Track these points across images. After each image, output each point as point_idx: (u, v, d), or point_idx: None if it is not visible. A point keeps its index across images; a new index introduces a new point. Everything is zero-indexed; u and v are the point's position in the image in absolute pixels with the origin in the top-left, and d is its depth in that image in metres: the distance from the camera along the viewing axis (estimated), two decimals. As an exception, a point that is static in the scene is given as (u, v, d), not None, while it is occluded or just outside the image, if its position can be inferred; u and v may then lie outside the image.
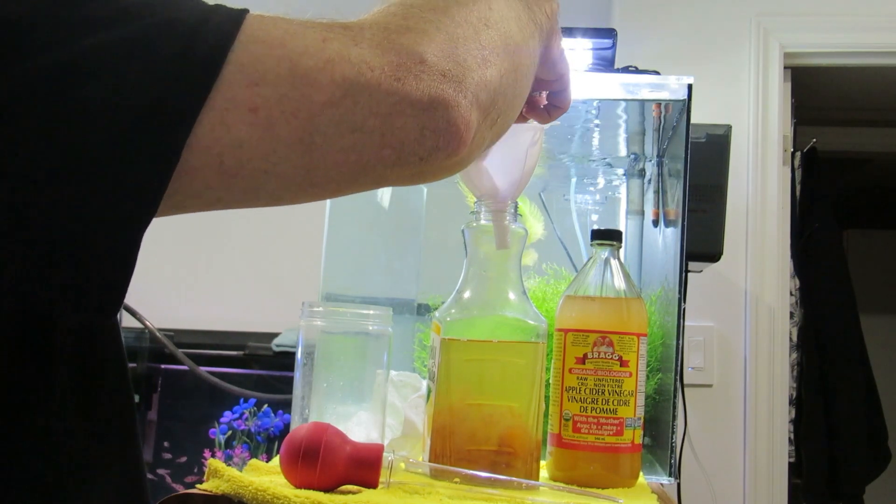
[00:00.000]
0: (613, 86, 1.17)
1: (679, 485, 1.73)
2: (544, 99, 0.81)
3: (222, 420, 2.28)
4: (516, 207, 0.89)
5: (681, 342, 1.08)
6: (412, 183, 0.58)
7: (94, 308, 0.49)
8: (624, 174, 1.42)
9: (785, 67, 2.27)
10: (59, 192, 0.46)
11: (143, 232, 0.48)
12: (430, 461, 0.84)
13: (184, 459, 2.57)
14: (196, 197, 0.51)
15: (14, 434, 0.52)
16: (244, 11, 0.52)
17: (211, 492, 0.71)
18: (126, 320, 2.42)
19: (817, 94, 2.60)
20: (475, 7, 0.59)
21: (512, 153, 0.86)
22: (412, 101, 0.52)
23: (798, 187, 2.55)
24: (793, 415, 2.50)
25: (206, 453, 2.36)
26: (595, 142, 1.36)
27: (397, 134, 0.52)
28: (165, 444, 2.63)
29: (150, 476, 2.55)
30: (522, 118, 0.82)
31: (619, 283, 0.94)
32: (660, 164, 1.31)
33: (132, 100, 0.47)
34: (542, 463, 0.91)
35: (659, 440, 1.10)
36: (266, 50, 0.50)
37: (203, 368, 2.37)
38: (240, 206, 0.54)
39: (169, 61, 0.48)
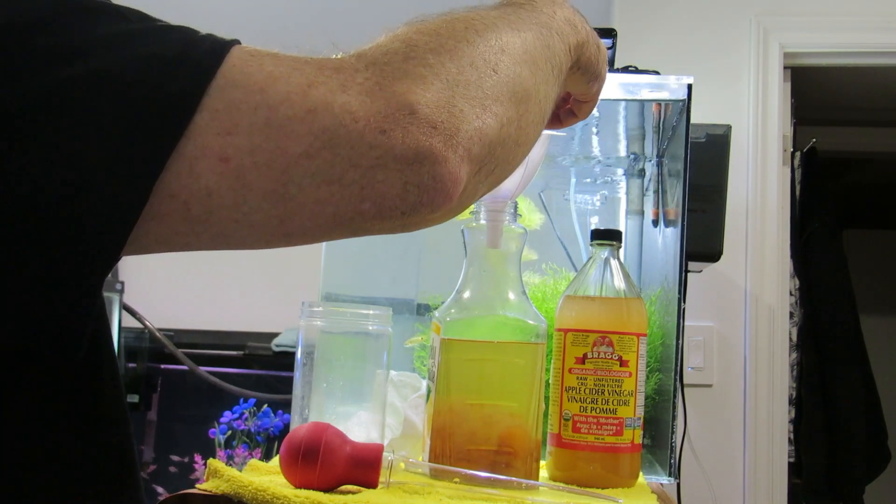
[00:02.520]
0: (613, 86, 1.16)
1: (679, 485, 1.73)
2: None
3: (222, 420, 2.28)
4: (515, 207, 0.89)
5: (680, 342, 1.08)
6: (393, 233, 0.55)
7: (54, 350, 0.47)
8: (624, 174, 1.42)
9: (785, 67, 2.27)
10: (18, 234, 0.45)
11: (105, 276, 0.47)
12: (429, 461, 0.84)
13: (183, 459, 2.57)
14: (163, 242, 0.49)
15: (5, 448, 0.51)
16: (227, 46, 0.50)
17: (211, 492, 0.71)
18: (126, 320, 2.42)
19: (817, 94, 2.60)
20: (486, 49, 0.56)
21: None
22: (396, 155, 0.49)
23: (798, 187, 2.54)
24: (793, 415, 2.49)
25: (197, 458, 2.36)
26: (595, 142, 1.36)
27: (378, 188, 0.50)
28: (165, 444, 2.63)
29: (148, 476, 2.55)
30: None
31: (619, 282, 0.94)
32: (659, 164, 1.31)
33: (97, 143, 0.45)
34: (542, 463, 0.91)
35: (659, 440, 1.10)
36: (243, 96, 0.48)
37: (203, 368, 2.37)
38: (209, 249, 0.53)
39: (139, 103, 0.46)
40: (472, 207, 0.89)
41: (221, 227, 0.49)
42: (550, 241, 1.34)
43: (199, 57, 0.48)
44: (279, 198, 0.49)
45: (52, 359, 0.52)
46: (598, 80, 0.73)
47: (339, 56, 0.53)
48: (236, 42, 0.51)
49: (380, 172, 0.49)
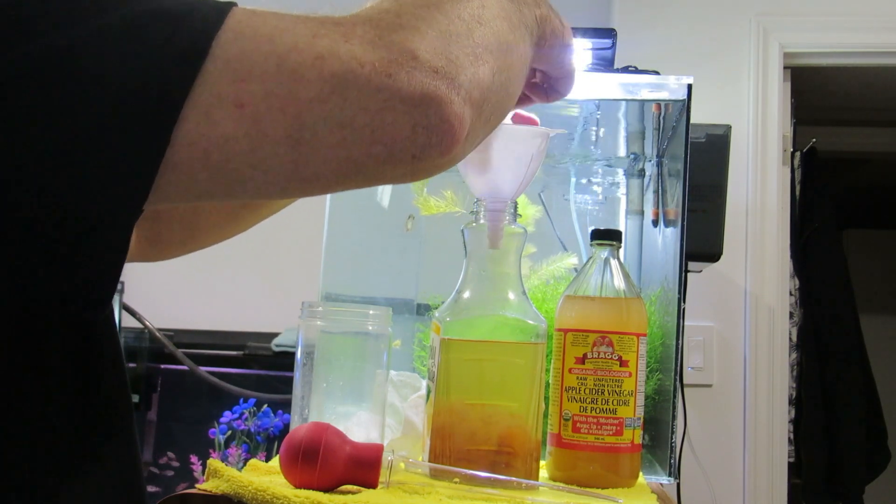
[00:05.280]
0: (613, 86, 1.16)
1: (679, 485, 1.73)
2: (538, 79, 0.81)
3: (222, 420, 2.28)
4: (515, 208, 0.89)
5: (680, 342, 1.08)
6: (405, 181, 0.57)
7: (83, 302, 0.48)
8: (624, 174, 1.42)
9: (785, 67, 2.27)
10: (44, 186, 0.46)
11: (132, 225, 0.48)
12: (429, 461, 0.84)
13: (183, 459, 2.57)
14: (183, 191, 0.51)
15: (9, 433, 0.52)
16: (229, 5, 0.51)
17: (210, 492, 0.71)
18: (126, 320, 2.42)
19: (817, 94, 2.60)
20: (468, 4, 0.59)
21: (516, 156, 0.86)
22: (403, 97, 0.51)
23: (798, 187, 2.54)
24: (793, 415, 2.50)
25: (193, 458, 2.36)
26: (595, 142, 1.36)
27: (388, 130, 0.52)
28: (165, 443, 2.63)
29: (148, 476, 2.55)
30: (528, 99, 0.81)
31: (619, 282, 0.94)
32: (659, 164, 1.31)
33: (113, 94, 0.47)
34: (542, 463, 0.91)
35: (659, 440, 1.10)
36: (254, 45, 0.50)
37: (203, 368, 2.37)
38: (227, 199, 0.55)
39: (150, 54, 0.48)
40: (473, 207, 0.89)
41: (239, 174, 0.51)
42: (550, 240, 1.34)
43: (206, 11, 0.50)
44: (294, 143, 0.51)
45: (76, 319, 0.53)
46: (567, 53, 0.75)
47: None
48: (234, 3, 0.53)
49: (388, 115, 0.51)
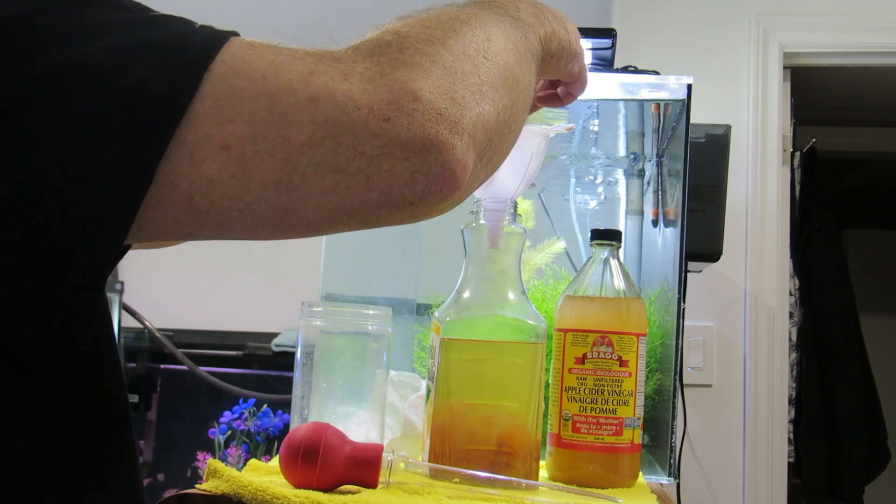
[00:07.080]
0: (613, 86, 1.16)
1: (678, 485, 1.73)
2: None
3: (222, 420, 2.28)
4: (515, 207, 0.89)
5: (680, 342, 1.08)
6: (401, 224, 0.54)
7: (59, 339, 0.47)
8: (624, 174, 1.42)
9: (784, 67, 2.27)
10: (21, 217, 0.44)
11: (110, 262, 0.47)
12: (429, 461, 0.84)
13: (182, 459, 2.57)
14: (166, 232, 0.49)
15: (6, 440, 0.51)
16: (226, 37, 0.49)
17: (210, 492, 0.71)
18: (126, 320, 2.42)
19: (817, 94, 2.59)
20: (473, 38, 0.56)
21: (517, 156, 0.86)
22: (402, 143, 0.49)
23: (798, 187, 2.54)
24: (793, 415, 2.49)
25: (200, 455, 2.37)
26: (595, 142, 1.36)
27: (385, 177, 0.49)
28: (164, 443, 2.63)
29: (148, 476, 2.55)
30: (535, 107, 0.80)
31: (619, 282, 0.94)
32: (659, 164, 1.31)
33: (97, 128, 0.45)
34: (542, 463, 0.91)
35: (658, 440, 1.10)
36: (245, 83, 0.47)
37: (202, 368, 2.37)
38: (213, 239, 0.52)
39: (138, 89, 0.46)
40: (472, 207, 0.89)
41: (224, 216, 0.49)
42: (547, 235, 1.34)
43: (200, 43, 0.48)
44: (283, 187, 0.48)
45: (55, 352, 0.52)
46: (576, 60, 0.73)
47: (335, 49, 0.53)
48: (235, 34, 0.51)
49: (386, 161, 0.49)
